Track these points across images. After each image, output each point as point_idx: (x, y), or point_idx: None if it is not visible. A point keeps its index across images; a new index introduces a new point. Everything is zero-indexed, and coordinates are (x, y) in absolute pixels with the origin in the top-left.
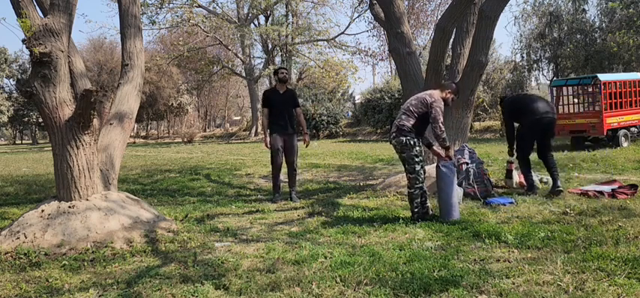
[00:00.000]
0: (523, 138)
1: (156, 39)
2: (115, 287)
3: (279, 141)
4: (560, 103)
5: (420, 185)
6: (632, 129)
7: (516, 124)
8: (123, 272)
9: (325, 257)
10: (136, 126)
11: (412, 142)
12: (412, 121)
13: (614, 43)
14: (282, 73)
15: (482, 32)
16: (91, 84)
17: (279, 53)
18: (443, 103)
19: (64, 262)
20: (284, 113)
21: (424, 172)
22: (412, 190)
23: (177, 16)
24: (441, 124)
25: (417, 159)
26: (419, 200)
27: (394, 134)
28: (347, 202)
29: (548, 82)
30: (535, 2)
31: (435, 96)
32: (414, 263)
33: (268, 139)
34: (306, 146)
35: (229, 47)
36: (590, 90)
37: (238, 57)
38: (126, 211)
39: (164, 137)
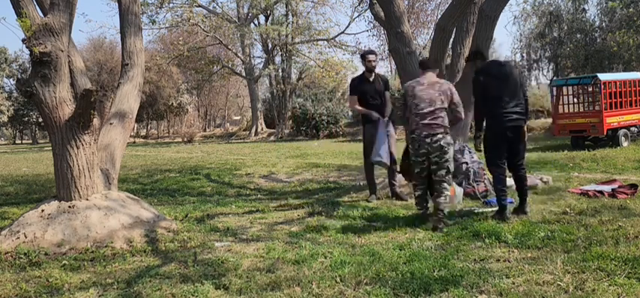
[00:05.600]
0: (490, 140)
1: (156, 38)
2: (115, 286)
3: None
4: (561, 103)
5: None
6: (633, 128)
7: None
8: (123, 272)
9: (325, 257)
10: (135, 125)
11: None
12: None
13: (614, 43)
14: (370, 60)
15: (483, 32)
16: (91, 83)
17: (279, 53)
18: None
19: (64, 262)
20: (377, 102)
21: None
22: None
23: (177, 16)
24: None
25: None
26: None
27: (440, 134)
28: (347, 202)
29: (548, 82)
30: (535, 2)
31: (447, 82)
32: (414, 262)
33: (374, 113)
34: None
35: (229, 47)
36: (590, 89)
37: (238, 56)
38: (126, 211)
39: (164, 137)
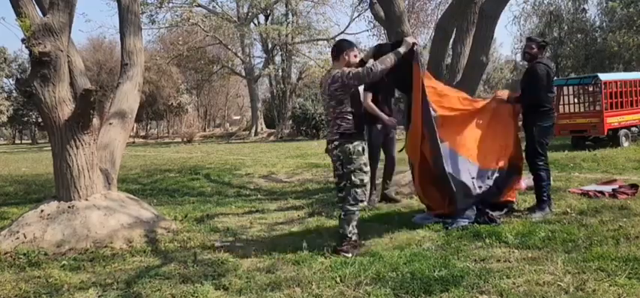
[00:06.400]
0: (548, 132)
1: (155, 38)
2: (115, 286)
3: (381, 136)
4: (561, 103)
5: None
6: (633, 128)
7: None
8: (122, 272)
9: (325, 257)
10: (135, 125)
11: (361, 148)
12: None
13: (614, 43)
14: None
15: (483, 31)
16: (90, 83)
17: (279, 53)
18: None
19: (63, 262)
20: (388, 101)
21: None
22: (353, 208)
23: (177, 16)
24: (372, 69)
25: (366, 168)
26: (355, 223)
27: (336, 142)
28: None
29: None
30: (535, 2)
31: (339, 71)
32: (414, 263)
33: (386, 118)
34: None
35: (229, 46)
36: (590, 89)
37: (238, 56)
38: (126, 211)
39: (164, 137)
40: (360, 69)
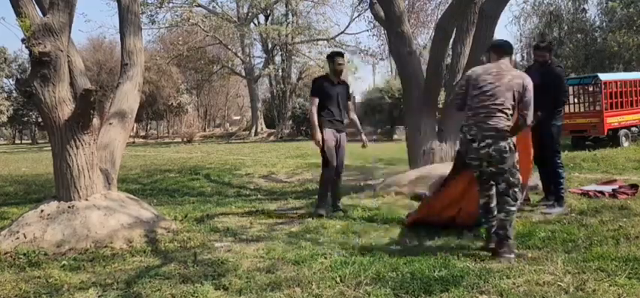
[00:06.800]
0: (559, 132)
1: (155, 38)
2: (115, 287)
3: (334, 138)
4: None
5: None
6: (633, 128)
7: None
8: (122, 272)
9: (325, 258)
10: (135, 125)
11: (513, 146)
12: (507, 119)
13: (614, 43)
14: (340, 64)
15: (483, 31)
16: (90, 83)
17: (279, 53)
18: None
19: (63, 262)
20: (339, 106)
21: None
22: (514, 208)
23: (177, 16)
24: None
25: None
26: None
27: (490, 139)
28: (347, 202)
29: None
30: (535, 2)
31: (522, 74)
32: (414, 263)
33: (319, 135)
34: (364, 147)
35: (229, 46)
36: (590, 89)
37: (238, 56)
38: (126, 211)
39: (164, 137)
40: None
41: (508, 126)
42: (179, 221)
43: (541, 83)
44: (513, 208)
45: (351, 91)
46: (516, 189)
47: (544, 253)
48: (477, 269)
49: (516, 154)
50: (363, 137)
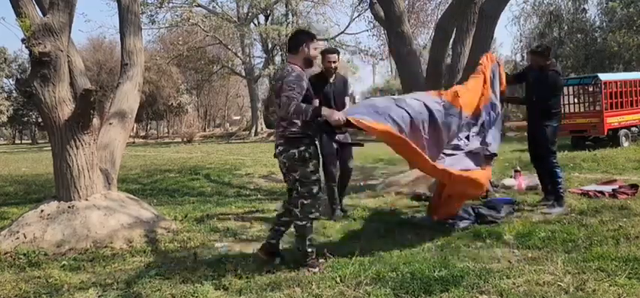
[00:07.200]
0: (556, 132)
1: (155, 38)
2: (115, 287)
3: (333, 143)
4: (561, 103)
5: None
6: (633, 128)
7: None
8: (123, 272)
9: (325, 257)
10: (135, 126)
11: (307, 154)
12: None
13: (614, 43)
14: (330, 61)
15: (483, 31)
16: (90, 83)
17: (279, 53)
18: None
19: (63, 262)
20: (335, 105)
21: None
22: (306, 222)
23: (177, 16)
24: (292, 106)
25: (314, 177)
26: (311, 235)
27: (280, 147)
28: (347, 202)
29: None
30: (535, 2)
31: (289, 71)
32: (414, 263)
33: (335, 114)
34: (360, 146)
35: (229, 47)
36: (590, 89)
37: (238, 56)
38: (126, 211)
39: (164, 137)
40: (290, 93)
41: (295, 132)
42: (179, 221)
43: (535, 85)
44: (302, 223)
45: (351, 91)
46: (306, 202)
47: (544, 253)
48: (477, 269)
49: (311, 164)
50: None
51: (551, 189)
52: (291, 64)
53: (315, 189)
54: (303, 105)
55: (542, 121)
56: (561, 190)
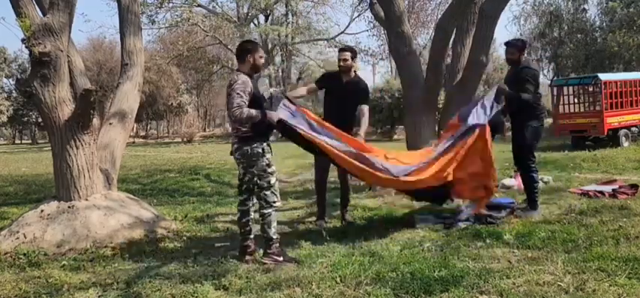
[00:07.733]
0: (538, 133)
1: (155, 38)
2: (115, 287)
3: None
4: (561, 103)
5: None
6: (633, 128)
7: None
8: (123, 272)
9: (325, 258)
10: (135, 126)
11: (261, 149)
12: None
13: (614, 43)
14: (342, 59)
15: (483, 31)
16: (90, 83)
17: (279, 53)
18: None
19: (63, 262)
20: (345, 106)
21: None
22: (270, 210)
23: (177, 16)
24: (241, 111)
25: (269, 169)
26: (276, 224)
27: (235, 145)
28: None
29: (549, 82)
30: (535, 2)
31: (236, 79)
32: (414, 263)
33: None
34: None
35: (229, 47)
36: (590, 89)
37: None
38: (126, 211)
39: (164, 137)
40: (239, 100)
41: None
42: (179, 221)
43: (512, 82)
44: (267, 211)
45: (364, 118)
46: (268, 193)
47: (544, 253)
48: (477, 269)
49: (265, 158)
50: (361, 133)
51: (526, 193)
52: (239, 71)
53: (273, 180)
54: (253, 112)
55: (519, 120)
56: (536, 195)
